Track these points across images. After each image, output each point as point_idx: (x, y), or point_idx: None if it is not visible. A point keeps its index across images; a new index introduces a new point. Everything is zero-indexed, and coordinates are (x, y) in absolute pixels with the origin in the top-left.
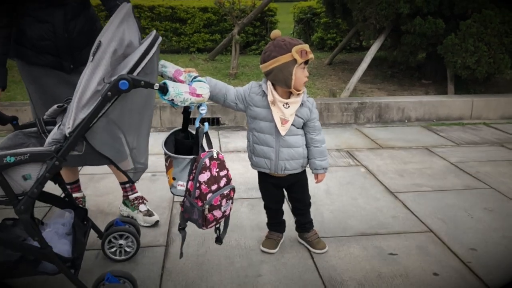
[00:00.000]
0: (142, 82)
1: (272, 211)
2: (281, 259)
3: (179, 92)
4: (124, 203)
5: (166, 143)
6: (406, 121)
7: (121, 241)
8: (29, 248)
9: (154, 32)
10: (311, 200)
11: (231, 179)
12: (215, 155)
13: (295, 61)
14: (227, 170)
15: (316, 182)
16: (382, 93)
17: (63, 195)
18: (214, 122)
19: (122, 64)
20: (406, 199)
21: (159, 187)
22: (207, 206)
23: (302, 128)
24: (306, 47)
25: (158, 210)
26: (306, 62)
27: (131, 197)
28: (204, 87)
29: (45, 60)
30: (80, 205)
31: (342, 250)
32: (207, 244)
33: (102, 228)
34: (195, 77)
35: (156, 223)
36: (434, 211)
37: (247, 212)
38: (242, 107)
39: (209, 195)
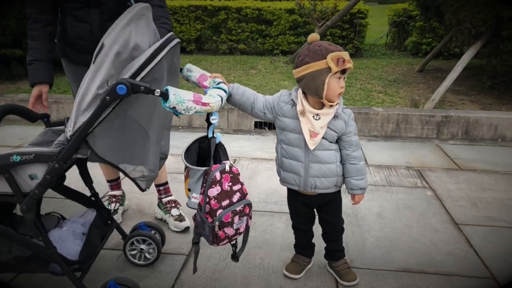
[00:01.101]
0: (142, 87)
1: (300, 232)
2: (302, 287)
3: (181, 99)
4: (158, 205)
5: (189, 151)
6: (500, 140)
7: (143, 246)
8: (35, 246)
9: (169, 34)
10: (355, 223)
11: (246, 194)
12: (227, 168)
13: (329, 69)
14: (242, 184)
15: (353, 204)
16: (475, 106)
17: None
18: (271, 125)
19: (127, 68)
20: (472, 234)
21: None
22: (217, 223)
23: (337, 142)
24: (344, 54)
25: (190, 217)
26: (343, 72)
27: (164, 200)
28: (214, 96)
29: (84, 59)
30: (118, 203)
31: (376, 286)
32: (229, 259)
33: None
34: (219, 83)
35: (186, 229)
36: (504, 254)
37: (283, 228)
38: (271, 117)
39: (220, 211)
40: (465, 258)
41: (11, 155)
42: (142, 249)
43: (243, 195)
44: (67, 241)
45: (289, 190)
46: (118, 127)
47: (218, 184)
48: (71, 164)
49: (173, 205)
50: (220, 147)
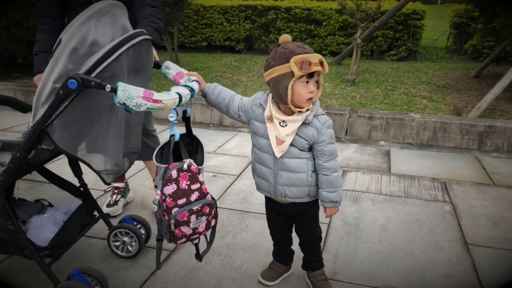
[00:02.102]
0: (93, 82)
1: (276, 239)
2: None
3: (130, 95)
4: (153, 201)
5: (164, 148)
6: None
7: (125, 238)
8: (7, 230)
9: (134, 31)
10: (353, 233)
11: (206, 193)
12: (185, 166)
13: (292, 73)
14: (201, 184)
15: (326, 217)
16: None
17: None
18: None
19: (85, 63)
20: (480, 256)
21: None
22: (172, 221)
23: (310, 150)
24: (311, 57)
25: None
26: (310, 76)
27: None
28: (169, 93)
29: None
30: (119, 195)
31: None
32: (211, 259)
33: None
34: (192, 82)
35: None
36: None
37: None
38: (245, 120)
39: (175, 209)
40: (463, 281)
41: None
42: (124, 241)
43: (203, 194)
44: (44, 227)
45: (265, 197)
46: (78, 120)
47: (174, 182)
48: (53, 154)
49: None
50: (181, 145)
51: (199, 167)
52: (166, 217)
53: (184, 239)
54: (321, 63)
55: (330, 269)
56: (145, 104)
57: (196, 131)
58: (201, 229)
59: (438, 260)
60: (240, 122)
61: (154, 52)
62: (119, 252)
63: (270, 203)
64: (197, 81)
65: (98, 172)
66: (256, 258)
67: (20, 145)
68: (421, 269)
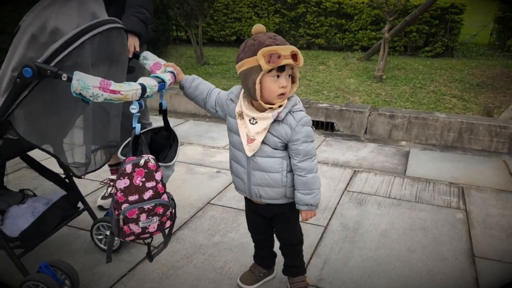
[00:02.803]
0: (49, 71)
1: (256, 241)
2: None
3: (85, 85)
4: None
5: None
6: None
7: (108, 232)
8: None
9: (101, 19)
10: (350, 238)
11: (162, 193)
12: (142, 162)
13: (260, 67)
14: (157, 183)
15: (301, 220)
16: None
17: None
18: (328, 126)
19: (46, 51)
20: (485, 270)
21: (208, 185)
22: (121, 217)
23: (286, 149)
24: (281, 49)
25: (185, 209)
26: (281, 69)
27: None
28: (131, 84)
29: None
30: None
31: None
32: (193, 258)
33: None
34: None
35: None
36: None
37: None
38: (222, 115)
39: (125, 205)
40: None
41: None
42: (107, 235)
43: (157, 193)
44: (21, 218)
45: (245, 197)
46: (42, 110)
47: (127, 177)
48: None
49: None
50: (142, 140)
51: (166, 164)
52: (116, 212)
53: (132, 237)
54: (293, 56)
55: (316, 275)
56: (102, 95)
57: (210, 126)
58: (152, 229)
59: (438, 272)
60: (218, 118)
61: (134, 42)
62: (101, 245)
63: (248, 203)
64: (172, 72)
65: (66, 165)
66: (241, 259)
67: None
68: (416, 281)
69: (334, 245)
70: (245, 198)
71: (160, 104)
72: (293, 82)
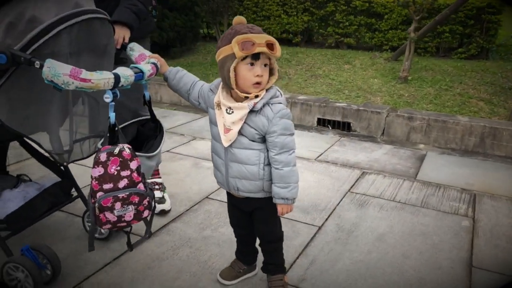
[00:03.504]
0: (22, 58)
1: (236, 235)
2: None
3: (56, 73)
4: None
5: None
6: None
7: None
8: None
9: (80, 8)
10: (343, 240)
11: (137, 182)
12: (116, 151)
13: (235, 55)
14: (132, 171)
15: (278, 215)
16: None
17: None
18: (345, 126)
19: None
20: (481, 282)
21: (211, 179)
22: (97, 205)
23: (265, 142)
24: (254, 37)
25: (183, 202)
26: (255, 57)
27: (149, 181)
28: (102, 73)
29: None
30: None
31: None
32: (179, 250)
33: None
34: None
35: (161, 212)
36: None
37: None
38: (205, 107)
39: (100, 193)
40: None
41: None
42: None
43: (132, 182)
44: (13, 201)
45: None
46: (22, 97)
47: (101, 165)
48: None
49: (156, 187)
50: (118, 130)
51: (148, 154)
52: (92, 200)
53: (109, 225)
54: (269, 45)
55: (299, 275)
56: (73, 83)
57: None
58: (128, 218)
59: (429, 281)
60: (201, 110)
61: (124, 33)
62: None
63: (229, 196)
64: (155, 63)
65: (48, 152)
66: (227, 254)
67: None
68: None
69: (325, 246)
70: (227, 192)
71: (144, 96)
72: (272, 73)
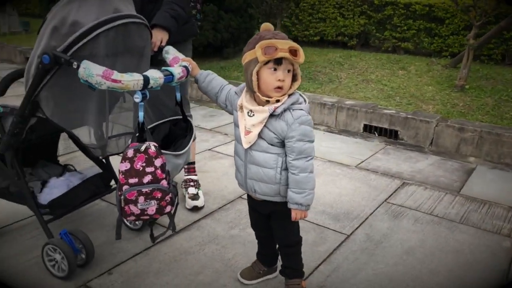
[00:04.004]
0: (62, 59)
1: (256, 236)
2: None
3: (90, 73)
4: (181, 183)
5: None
6: None
7: None
8: (15, 184)
9: (118, 13)
10: (371, 250)
11: (160, 179)
12: (142, 148)
13: (257, 59)
14: (156, 168)
15: (292, 220)
16: None
17: None
18: (392, 134)
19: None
20: None
21: None
22: (122, 198)
23: (284, 146)
24: (277, 43)
25: (216, 200)
26: (278, 62)
27: (185, 177)
28: (132, 75)
29: None
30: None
31: None
32: (206, 246)
33: None
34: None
35: (193, 208)
36: None
37: None
38: (231, 110)
39: (125, 187)
40: None
41: None
42: None
43: (156, 179)
44: (58, 188)
45: None
46: (64, 94)
47: (128, 161)
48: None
49: (191, 184)
50: (146, 128)
51: (175, 153)
52: (119, 192)
53: (133, 217)
54: (292, 51)
55: (319, 281)
56: (105, 83)
57: None
58: (150, 211)
59: None
60: (228, 113)
61: (162, 36)
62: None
63: (249, 198)
64: (186, 66)
65: (86, 146)
66: (250, 254)
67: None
68: None
69: (350, 255)
70: (247, 194)
71: (175, 97)
72: (295, 79)
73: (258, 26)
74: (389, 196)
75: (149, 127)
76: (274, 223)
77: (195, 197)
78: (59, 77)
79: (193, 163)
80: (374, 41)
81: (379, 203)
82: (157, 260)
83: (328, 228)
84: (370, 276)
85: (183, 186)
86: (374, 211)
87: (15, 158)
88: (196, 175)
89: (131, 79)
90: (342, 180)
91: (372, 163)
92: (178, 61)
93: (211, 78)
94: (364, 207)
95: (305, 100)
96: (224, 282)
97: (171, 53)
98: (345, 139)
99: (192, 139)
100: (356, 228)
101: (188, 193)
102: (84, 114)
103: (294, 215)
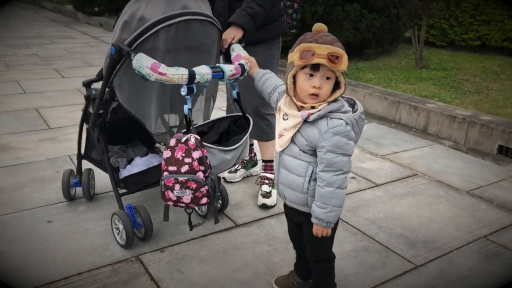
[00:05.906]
0: (124, 51)
1: (294, 247)
2: None
3: (141, 65)
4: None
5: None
6: None
7: None
8: (101, 157)
9: (180, 10)
10: None
11: (197, 171)
12: (183, 139)
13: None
14: (193, 160)
15: (313, 234)
16: None
17: None
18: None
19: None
20: None
21: None
22: (162, 183)
23: (316, 155)
24: (316, 47)
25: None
26: (315, 68)
27: (261, 174)
28: (178, 69)
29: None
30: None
31: None
32: (259, 246)
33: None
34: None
35: (263, 206)
36: None
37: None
38: None
39: (165, 173)
40: None
41: (92, 91)
42: None
43: (192, 170)
44: (137, 167)
45: None
46: (131, 82)
47: (170, 149)
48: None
49: (266, 181)
50: (191, 121)
51: (222, 148)
52: (162, 177)
53: (171, 202)
54: (331, 58)
55: None
56: (152, 75)
57: (388, 132)
58: (185, 200)
59: None
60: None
61: (235, 33)
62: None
63: (284, 204)
64: (241, 64)
65: (150, 133)
66: (289, 257)
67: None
68: None
69: None
70: None
71: (232, 94)
72: (338, 87)
73: (403, 27)
74: (493, 232)
75: (208, 121)
76: (304, 235)
77: (267, 195)
78: (127, 67)
79: (271, 161)
80: None
81: (475, 238)
82: (207, 249)
83: (397, 253)
84: None
85: (258, 183)
86: (464, 245)
87: (101, 135)
88: (273, 173)
89: (176, 73)
90: (441, 204)
91: (489, 191)
92: (239, 59)
93: (267, 78)
94: (454, 239)
95: (351, 110)
96: (258, 284)
97: (236, 50)
98: (470, 159)
99: (246, 137)
100: (430, 261)
101: (261, 190)
102: (150, 102)
103: (315, 230)
